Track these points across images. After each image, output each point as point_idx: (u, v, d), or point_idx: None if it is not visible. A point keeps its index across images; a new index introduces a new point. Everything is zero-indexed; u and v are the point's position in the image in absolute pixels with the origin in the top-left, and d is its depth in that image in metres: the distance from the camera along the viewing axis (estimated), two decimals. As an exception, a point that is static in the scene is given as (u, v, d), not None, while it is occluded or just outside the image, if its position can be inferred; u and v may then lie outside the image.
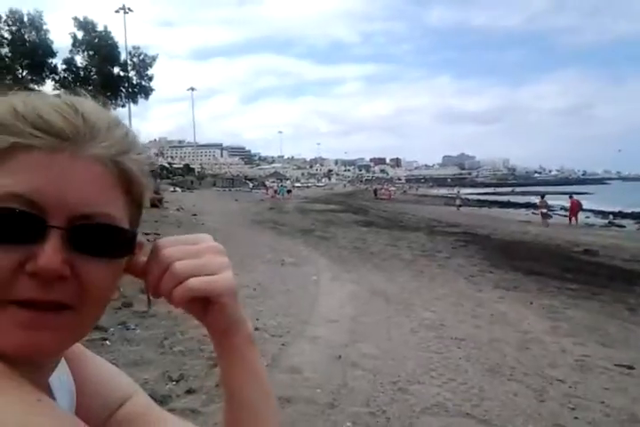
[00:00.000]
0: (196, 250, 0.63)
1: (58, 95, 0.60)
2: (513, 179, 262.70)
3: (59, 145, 0.54)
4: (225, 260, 0.64)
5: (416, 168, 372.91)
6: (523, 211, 41.14)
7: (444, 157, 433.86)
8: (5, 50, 38.41)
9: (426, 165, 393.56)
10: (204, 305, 0.64)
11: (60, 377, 0.71)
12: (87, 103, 0.60)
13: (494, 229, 20.89)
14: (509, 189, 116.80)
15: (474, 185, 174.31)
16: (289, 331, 5.72)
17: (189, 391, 3.93)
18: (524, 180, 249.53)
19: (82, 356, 0.79)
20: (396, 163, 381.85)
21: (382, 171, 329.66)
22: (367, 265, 10.76)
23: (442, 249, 13.74)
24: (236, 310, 0.66)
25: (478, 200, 52.74)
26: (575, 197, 29.20)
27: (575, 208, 27.42)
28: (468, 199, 51.56)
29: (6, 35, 38.46)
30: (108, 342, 4.83)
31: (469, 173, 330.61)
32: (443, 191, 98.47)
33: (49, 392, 0.66)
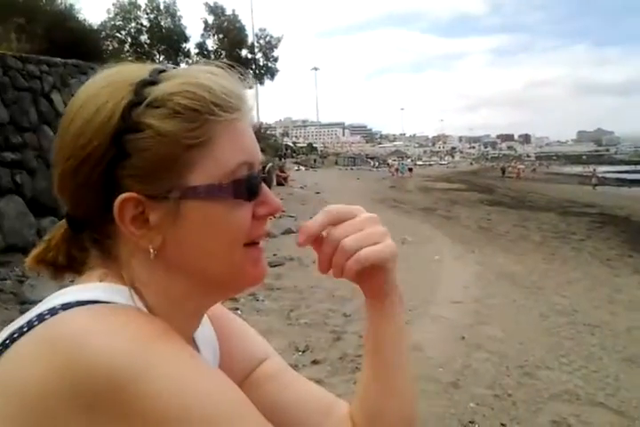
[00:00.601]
0: (358, 223, 0.68)
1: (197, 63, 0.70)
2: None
3: (247, 112, 0.66)
4: (383, 228, 0.69)
5: (547, 144, 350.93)
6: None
7: (579, 132, 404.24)
8: (144, 37, 41.15)
9: (558, 142, 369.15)
10: (368, 271, 0.68)
11: (205, 334, 0.78)
12: (226, 70, 0.66)
13: (635, 210, 19.22)
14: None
15: (612, 162, 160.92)
16: (411, 310, 5.71)
17: (314, 362, 4.10)
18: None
19: (224, 315, 0.85)
20: (525, 139, 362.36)
21: (510, 148, 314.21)
22: (492, 246, 10.41)
23: (575, 231, 12.93)
24: (395, 273, 0.72)
25: (617, 179, 48.60)
26: None
27: None
28: (606, 178, 47.67)
29: (145, 22, 41.17)
30: (239, 311, 5.15)
31: (607, 150, 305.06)
32: (577, 169, 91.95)
33: (195, 347, 0.73)
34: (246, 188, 0.63)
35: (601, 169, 62.77)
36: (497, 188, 32.69)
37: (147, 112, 0.59)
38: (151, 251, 0.62)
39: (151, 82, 0.61)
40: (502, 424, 3.41)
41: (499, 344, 4.84)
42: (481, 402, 3.69)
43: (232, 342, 0.82)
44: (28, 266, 0.69)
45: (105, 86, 0.62)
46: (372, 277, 0.70)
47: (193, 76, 0.63)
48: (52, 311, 0.56)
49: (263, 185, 0.66)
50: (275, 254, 7.82)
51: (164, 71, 0.64)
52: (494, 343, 4.85)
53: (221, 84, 0.63)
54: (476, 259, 8.93)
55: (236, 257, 0.64)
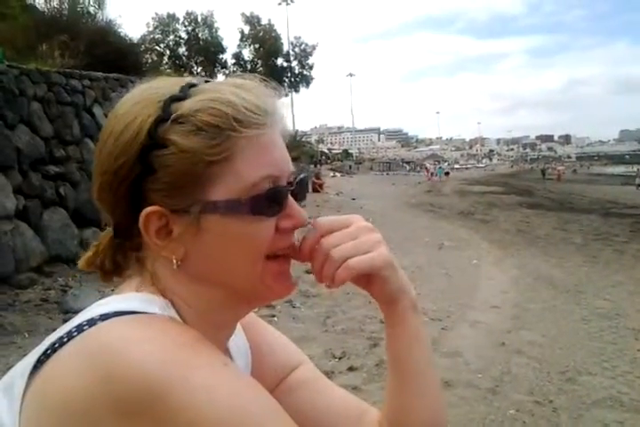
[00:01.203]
0: (349, 233, 0.69)
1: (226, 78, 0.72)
2: None
3: (273, 125, 0.66)
4: (378, 236, 0.70)
5: (588, 145, 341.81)
6: None
7: (622, 131, 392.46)
8: (182, 49, 42.01)
9: (600, 141, 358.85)
10: (368, 279, 0.71)
11: (238, 342, 0.80)
12: (258, 84, 0.69)
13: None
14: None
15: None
16: (449, 315, 5.67)
17: (351, 369, 4.10)
18: None
19: (256, 324, 0.87)
20: (566, 140, 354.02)
21: (550, 149, 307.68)
22: (532, 249, 10.22)
23: (618, 233, 12.57)
24: (397, 280, 0.72)
25: (663, 178, 47.04)
26: None
27: None
28: (651, 177, 46.15)
29: (183, 35, 42.01)
30: (276, 318, 5.20)
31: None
32: (620, 169, 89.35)
33: (229, 355, 0.75)
34: (266, 202, 0.63)
35: (645, 168, 60.69)
36: (536, 190, 32.07)
37: (172, 128, 0.62)
38: (174, 262, 0.65)
39: (178, 98, 0.63)
40: (543, 431, 3.36)
41: (539, 349, 4.76)
42: (521, 409, 3.63)
43: (264, 350, 0.84)
44: (80, 267, 0.73)
45: (136, 103, 0.65)
46: (374, 284, 0.71)
47: (219, 91, 0.64)
48: (91, 322, 0.58)
49: (289, 198, 0.66)
50: (311, 261, 7.86)
51: (194, 86, 0.65)
52: (534, 349, 4.78)
53: (246, 98, 0.64)
54: (515, 263, 8.79)
55: (257, 270, 0.65)
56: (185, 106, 0.63)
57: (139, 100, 0.65)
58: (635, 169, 47.18)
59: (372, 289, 0.72)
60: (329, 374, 3.95)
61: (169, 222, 0.64)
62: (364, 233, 0.69)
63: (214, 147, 0.62)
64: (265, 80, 0.70)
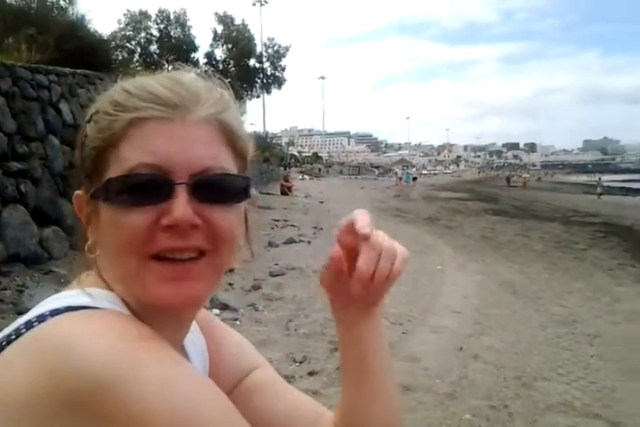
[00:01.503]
0: (380, 232, 0.70)
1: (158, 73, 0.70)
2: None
3: (169, 114, 0.62)
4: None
5: (553, 153, 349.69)
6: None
7: (585, 141, 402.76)
8: (154, 47, 41.43)
9: (564, 150, 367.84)
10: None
11: (195, 342, 0.79)
12: (186, 75, 0.69)
13: (639, 219, 19.14)
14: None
15: (617, 171, 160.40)
16: (410, 320, 5.72)
17: (311, 373, 4.10)
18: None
19: (214, 323, 0.87)
20: (531, 148, 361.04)
21: (515, 156, 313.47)
22: (495, 255, 10.40)
23: (578, 240, 12.90)
24: None
25: (622, 188, 48.45)
26: None
27: None
28: (611, 187, 47.56)
29: (155, 32, 41.44)
30: (238, 322, 5.17)
31: (613, 159, 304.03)
32: (582, 178, 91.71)
33: (184, 354, 0.74)
34: (137, 191, 0.60)
35: (606, 178, 62.46)
36: (501, 197, 32.63)
37: (92, 119, 0.66)
38: (90, 250, 0.66)
39: None
40: (497, 436, 3.42)
41: (497, 355, 4.84)
42: (477, 413, 3.69)
43: (222, 351, 0.83)
44: None
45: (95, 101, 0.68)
46: (388, 282, 0.69)
47: (130, 80, 0.67)
48: (41, 318, 0.58)
49: (179, 194, 0.60)
50: (276, 264, 7.85)
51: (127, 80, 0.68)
52: (492, 354, 4.86)
53: (140, 85, 0.64)
54: (478, 268, 8.93)
55: (131, 267, 0.61)
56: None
57: (98, 98, 0.68)
58: (596, 178, 48.36)
59: (383, 289, 0.70)
60: (289, 379, 3.95)
61: (89, 209, 0.66)
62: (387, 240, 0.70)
63: (102, 132, 0.63)
64: (213, 75, 0.70)
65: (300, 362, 4.32)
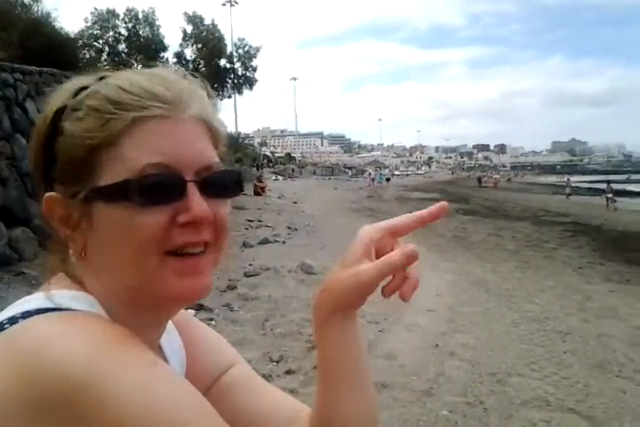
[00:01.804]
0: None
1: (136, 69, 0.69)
2: (629, 166, 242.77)
3: (168, 111, 0.62)
4: None
5: (522, 155, 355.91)
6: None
7: (554, 142, 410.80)
8: (122, 46, 40.87)
9: (533, 152, 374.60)
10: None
11: (172, 341, 0.78)
12: (169, 72, 0.67)
13: (606, 219, 19.61)
14: (624, 176, 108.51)
15: (585, 172, 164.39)
16: (386, 318, 5.74)
17: (288, 372, 4.09)
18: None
19: (191, 322, 0.85)
20: (501, 149, 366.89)
21: (486, 158, 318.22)
22: (467, 255, 10.52)
23: (548, 239, 13.15)
24: None
25: (590, 188, 49.44)
26: None
27: None
28: (579, 187, 48.56)
29: (123, 31, 40.88)
30: (213, 322, 5.12)
31: (581, 160, 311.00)
32: (551, 179, 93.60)
33: (161, 354, 0.73)
34: (153, 191, 0.59)
35: (574, 179, 63.79)
36: (472, 197, 33.08)
37: (69, 116, 0.62)
38: (77, 253, 0.64)
39: (87, 86, 0.63)
40: (474, 431, 3.44)
41: (472, 352, 4.88)
42: (453, 410, 3.71)
43: (198, 349, 0.82)
44: None
45: (55, 93, 0.65)
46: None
47: (119, 77, 0.64)
48: (12, 320, 0.56)
49: (191, 191, 0.61)
50: (250, 264, 7.80)
51: (109, 76, 0.65)
52: (467, 351, 4.90)
53: (136, 83, 0.62)
54: (451, 268, 9.02)
55: (151, 266, 0.61)
56: (84, 92, 0.63)
57: (58, 90, 0.65)
58: (565, 179, 49.32)
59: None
60: (266, 378, 3.88)
61: (71, 211, 0.63)
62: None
63: (95, 131, 0.60)
64: (189, 73, 0.69)
65: (277, 361, 4.30)
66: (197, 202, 0.61)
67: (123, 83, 0.62)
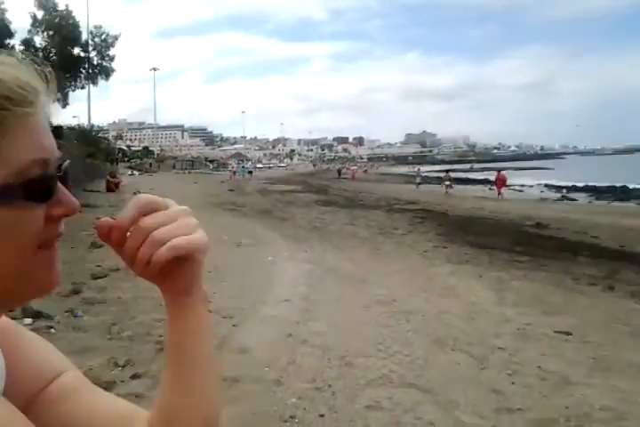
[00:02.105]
0: (171, 214, 0.67)
1: None
2: (473, 155, 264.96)
3: (38, 107, 0.59)
4: (196, 221, 0.69)
5: (378, 146, 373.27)
6: (480, 187, 41.91)
7: (407, 134, 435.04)
8: (-40, 31, 36.62)
9: (388, 144, 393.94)
10: (170, 265, 0.66)
11: None
12: (19, 63, 0.61)
13: (451, 205, 21.25)
14: (469, 165, 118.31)
15: (434, 162, 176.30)
16: (241, 312, 5.74)
17: (135, 376, 3.93)
18: (483, 156, 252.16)
19: (11, 329, 0.79)
20: (359, 142, 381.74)
21: (345, 150, 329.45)
22: (324, 244, 10.83)
23: (399, 226, 13.92)
24: (202, 268, 0.71)
25: (438, 177, 53.15)
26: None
27: (500, 182, 28.92)
28: (428, 177, 52.05)
29: (-39, 15, 36.64)
30: (53, 330, 4.78)
31: (430, 151, 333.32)
32: (404, 169, 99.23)
33: None
34: (39, 188, 0.58)
35: (424, 169, 68.25)
36: (331, 188, 34.13)
37: None
38: None
39: None
40: (321, 415, 3.56)
41: (323, 338, 5.04)
42: (303, 396, 3.81)
43: (20, 357, 0.76)
44: None
45: None
46: (179, 270, 0.68)
47: None
48: None
49: (59, 184, 0.62)
50: (99, 265, 7.39)
51: None
52: (319, 337, 5.05)
53: (14, 75, 0.59)
54: (308, 258, 9.24)
55: (27, 262, 0.60)
56: None
57: None
58: (416, 169, 52.56)
59: (173, 276, 0.69)
60: (110, 384, 3.75)
61: None
62: (184, 216, 0.68)
63: None
64: (32, 60, 0.63)
65: (123, 366, 4.11)
66: (69, 196, 0.63)
67: (1, 75, 0.57)
